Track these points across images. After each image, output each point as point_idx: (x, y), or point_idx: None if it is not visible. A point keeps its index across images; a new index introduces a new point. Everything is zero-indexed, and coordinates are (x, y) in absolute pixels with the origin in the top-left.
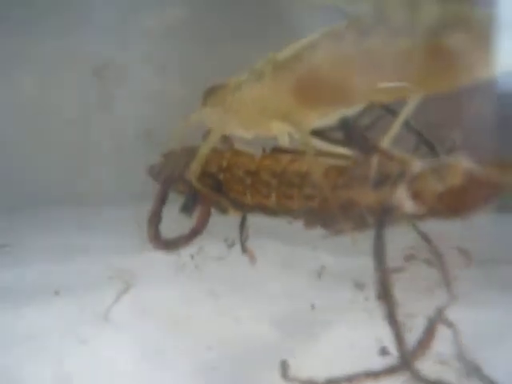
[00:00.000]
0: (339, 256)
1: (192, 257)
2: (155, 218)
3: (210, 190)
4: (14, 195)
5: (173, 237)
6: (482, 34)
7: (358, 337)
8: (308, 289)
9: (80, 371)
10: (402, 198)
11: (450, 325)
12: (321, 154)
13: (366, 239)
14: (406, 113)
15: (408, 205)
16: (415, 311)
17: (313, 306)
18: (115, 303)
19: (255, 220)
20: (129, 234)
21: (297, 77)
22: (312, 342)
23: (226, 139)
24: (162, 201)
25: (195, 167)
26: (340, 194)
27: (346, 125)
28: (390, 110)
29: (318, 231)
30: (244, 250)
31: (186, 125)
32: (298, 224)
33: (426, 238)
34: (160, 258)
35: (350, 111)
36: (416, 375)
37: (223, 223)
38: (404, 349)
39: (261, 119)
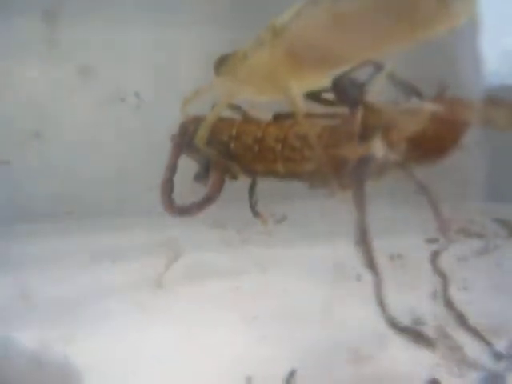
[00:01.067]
0: None
1: (238, 231)
2: (167, 185)
3: (222, 157)
4: None
5: (186, 204)
6: None
7: None
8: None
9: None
10: (378, 146)
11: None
12: (315, 115)
13: None
14: (387, 68)
15: (384, 153)
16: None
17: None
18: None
19: None
20: None
21: (288, 42)
22: None
23: (237, 108)
24: (172, 167)
25: (201, 133)
26: (331, 152)
27: (336, 81)
28: (379, 66)
29: None
30: (255, 214)
31: (197, 94)
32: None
33: (422, 185)
34: (208, 230)
35: (339, 72)
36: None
37: (270, 199)
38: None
39: (268, 84)
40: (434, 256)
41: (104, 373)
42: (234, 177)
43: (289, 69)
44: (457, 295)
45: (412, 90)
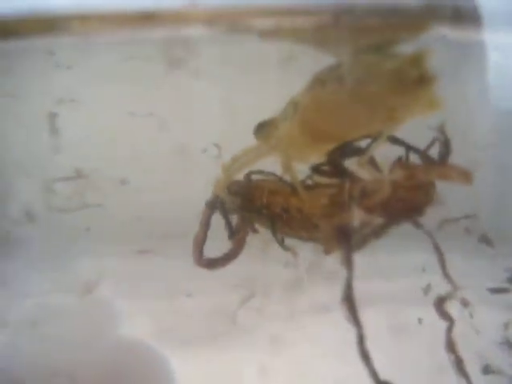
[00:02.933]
0: None
1: (307, 271)
2: (200, 240)
3: (256, 220)
4: None
5: (213, 258)
6: None
7: None
8: None
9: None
10: (358, 213)
11: None
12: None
13: None
14: (376, 145)
15: (365, 218)
16: None
17: None
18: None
19: None
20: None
21: (301, 118)
22: None
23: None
24: (206, 225)
25: (221, 183)
26: (333, 221)
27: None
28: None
29: None
30: (284, 248)
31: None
32: None
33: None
34: (279, 271)
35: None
36: None
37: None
38: None
39: (292, 154)
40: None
41: None
42: (256, 230)
43: (303, 142)
44: None
45: (410, 149)
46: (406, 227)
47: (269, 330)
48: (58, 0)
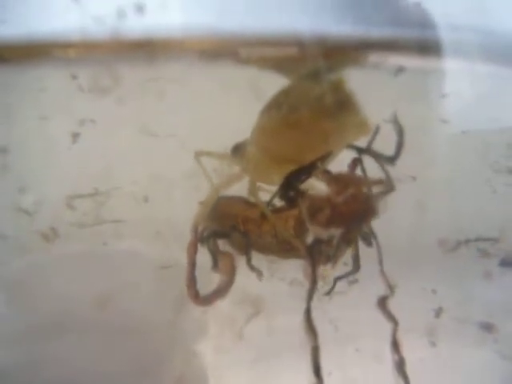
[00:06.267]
0: None
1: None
2: (191, 281)
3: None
4: None
5: (209, 293)
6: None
7: None
8: None
9: None
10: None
11: None
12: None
13: None
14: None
15: (323, 233)
16: None
17: None
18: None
19: None
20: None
21: (257, 141)
22: None
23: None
24: (192, 265)
25: (200, 212)
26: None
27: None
28: None
29: None
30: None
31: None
32: None
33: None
34: (286, 288)
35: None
36: None
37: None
38: None
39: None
40: None
41: None
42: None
43: (264, 164)
44: None
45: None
46: None
47: None
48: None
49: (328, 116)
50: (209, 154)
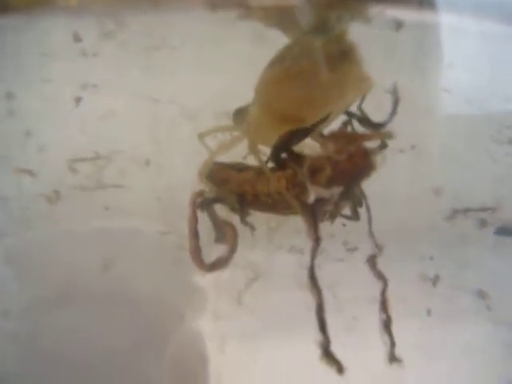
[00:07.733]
0: None
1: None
2: (196, 251)
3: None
4: None
5: (213, 260)
6: None
7: None
8: None
9: None
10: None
11: None
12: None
13: None
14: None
15: (324, 192)
16: None
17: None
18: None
19: None
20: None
21: (260, 99)
22: None
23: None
24: (194, 236)
25: (201, 171)
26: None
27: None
28: None
29: None
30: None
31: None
32: None
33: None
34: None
35: None
36: None
37: (343, 229)
38: None
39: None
40: None
41: None
42: (246, 223)
43: (265, 125)
44: None
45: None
46: None
47: None
48: None
49: (330, 66)
50: (209, 132)
